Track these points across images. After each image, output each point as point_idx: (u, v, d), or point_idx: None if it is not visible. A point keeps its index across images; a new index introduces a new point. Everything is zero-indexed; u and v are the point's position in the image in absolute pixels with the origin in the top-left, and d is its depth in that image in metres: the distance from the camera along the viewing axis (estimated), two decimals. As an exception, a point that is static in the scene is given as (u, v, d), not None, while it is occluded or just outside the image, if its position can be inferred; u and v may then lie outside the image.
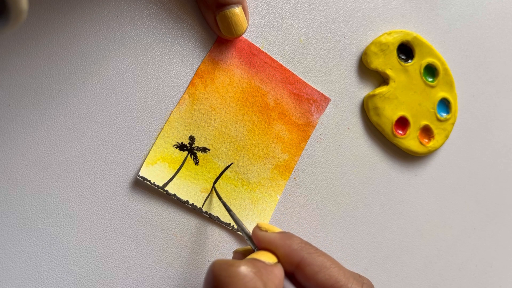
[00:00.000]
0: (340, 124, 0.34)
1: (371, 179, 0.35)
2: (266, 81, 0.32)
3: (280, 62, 0.32)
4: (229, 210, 0.29)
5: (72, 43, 0.28)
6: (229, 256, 0.32)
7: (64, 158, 0.28)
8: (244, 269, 0.22)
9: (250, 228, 0.31)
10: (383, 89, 0.34)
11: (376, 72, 0.35)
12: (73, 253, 0.28)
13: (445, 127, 0.36)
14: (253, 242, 0.27)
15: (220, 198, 0.30)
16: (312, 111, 0.33)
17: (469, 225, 0.39)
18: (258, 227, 0.26)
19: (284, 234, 0.26)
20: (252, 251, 0.27)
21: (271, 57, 0.32)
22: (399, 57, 0.35)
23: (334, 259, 0.25)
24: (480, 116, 0.39)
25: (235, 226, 0.31)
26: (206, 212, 0.31)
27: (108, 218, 0.29)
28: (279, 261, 0.25)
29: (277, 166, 0.32)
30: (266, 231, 0.26)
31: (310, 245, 0.26)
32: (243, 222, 0.31)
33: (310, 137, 0.33)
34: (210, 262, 0.31)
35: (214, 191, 0.31)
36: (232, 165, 0.31)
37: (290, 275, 0.25)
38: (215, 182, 0.31)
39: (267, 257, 0.24)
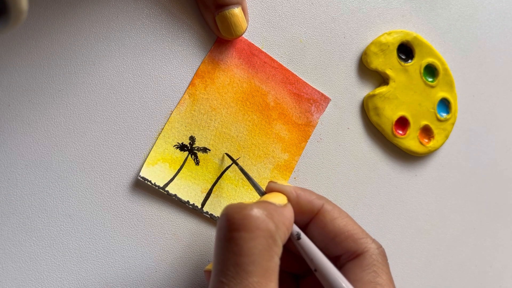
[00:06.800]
0: (340, 124, 0.34)
1: (371, 179, 0.35)
2: (266, 81, 0.32)
3: (280, 62, 0.32)
4: (241, 169, 0.30)
5: (72, 43, 0.28)
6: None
7: (64, 158, 0.28)
8: (256, 211, 0.22)
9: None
10: (383, 89, 0.34)
11: (376, 72, 0.35)
12: (73, 253, 0.28)
13: (445, 127, 0.36)
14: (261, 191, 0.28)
15: (233, 161, 0.31)
16: (312, 111, 0.33)
17: (469, 225, 0.39)
18: (272, 182, 0.27)
19: (301, 187, 0.27)
20: None
21: (271, 57, 0.32)
22: (399, 57, 0.35)
23: None
24: (480, 116, 0.39)
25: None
26: (206, 212, 0.31)
27: (108, 218, 0.29)
28: (294, 208, 0.25)
29: (277, 166, 0.32)
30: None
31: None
32: None
33: (310, 137, 0.33)
34: (210, 263, 0.31)
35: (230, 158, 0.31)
36: (232, 165, 0.31)
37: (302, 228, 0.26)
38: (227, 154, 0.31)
39: (277, 199, 0.25)
